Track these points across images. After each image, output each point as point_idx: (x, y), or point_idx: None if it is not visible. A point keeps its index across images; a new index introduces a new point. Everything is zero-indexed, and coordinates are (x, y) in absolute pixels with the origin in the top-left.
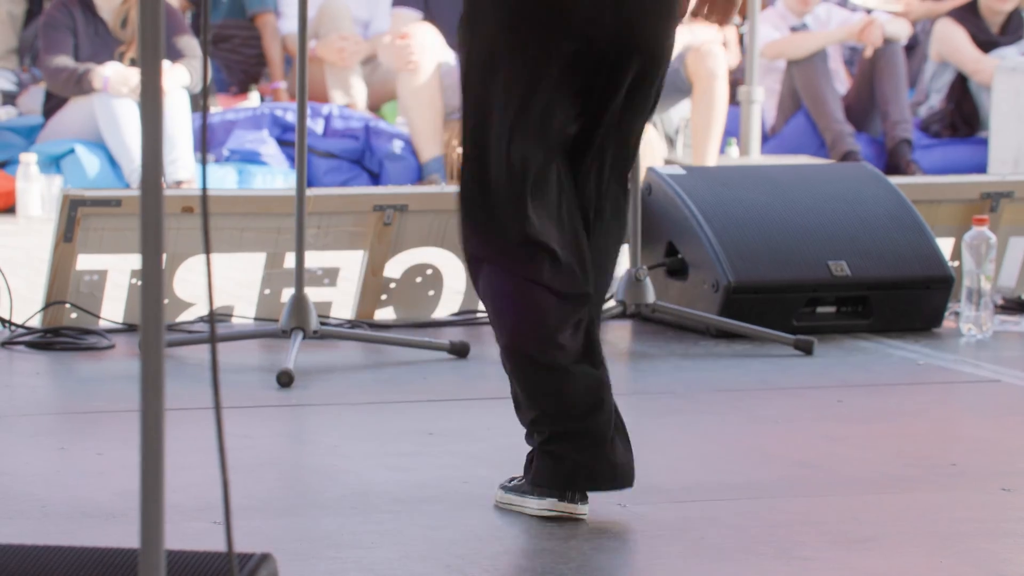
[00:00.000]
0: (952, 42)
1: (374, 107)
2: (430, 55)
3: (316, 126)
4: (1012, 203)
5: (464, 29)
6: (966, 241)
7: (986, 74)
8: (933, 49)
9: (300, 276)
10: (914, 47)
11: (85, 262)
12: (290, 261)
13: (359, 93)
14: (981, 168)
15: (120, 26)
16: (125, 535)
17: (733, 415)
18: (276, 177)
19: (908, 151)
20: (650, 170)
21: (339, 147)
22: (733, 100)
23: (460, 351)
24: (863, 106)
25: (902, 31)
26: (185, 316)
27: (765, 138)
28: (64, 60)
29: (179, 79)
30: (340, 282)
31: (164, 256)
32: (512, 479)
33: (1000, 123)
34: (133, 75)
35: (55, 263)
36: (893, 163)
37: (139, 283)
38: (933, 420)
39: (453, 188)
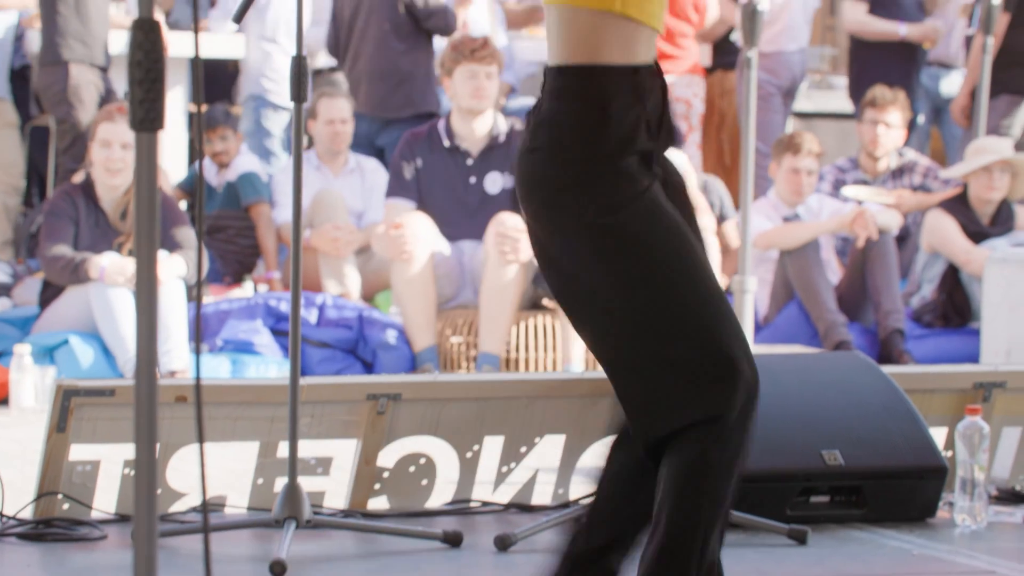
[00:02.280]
0: (943, 233)
1: (368, 297)
2: (423, 245)
3: (310, 316)
4: (1005, 393)
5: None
6: (959, 431)
7: (977, 265)
8: (924, 240)
9: (293, 465)
10: (906, 238)
11: (78, 452)
12: (283, 450)
13: (353, 283)
14: (974, 358)
15: (120, 217)
16: None
17: None
18: (270, 367)
19: (901, 341)
20: None
21: (333, 336)
22: (727, 290)
23: (453, 540)
24: (855, 296)
25: (893, 222)
26: (178, 506)
27: (758, 328)
28: (63, 249)
29: (175, 269)
30: (333, 471)
31: (157, 445)
32: None
33: (992, 313)
34: (129, 265)
35: (48, 453)
36: (886, 353)
37: (132, 473)
38: None
39: (447, 377)
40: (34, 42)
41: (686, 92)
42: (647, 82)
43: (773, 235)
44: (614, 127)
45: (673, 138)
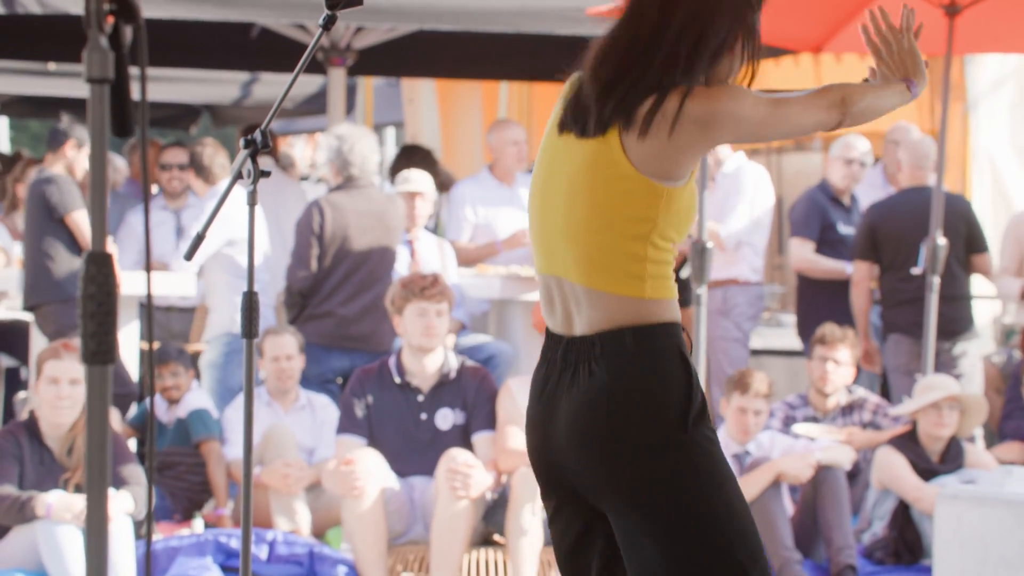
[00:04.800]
0: (893, 470)
1: (318, 533)
2: (374, 481)
3: (260, 552)
4: None
5: None
6: None
7: (928, 502)
8: (874, 477)
9: None
10: (856, 474)
11: None
12: None
13: (303, 519)
14: None
15: (66, 454)
16: None
17: None
18: None
19: (853, 575)
20: None
21: (283, 573)
22: None
23: None
24: (806, 532)
25: (846, 458)
26: None
27: None
28: (7, 489)
29: (123, 505)
30: None
31: None
32: None
33: (943, 550)
34: (77, 501)
35: None
36: None
37: None
38: None
39: None
40: None
41: None
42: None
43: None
44: (681, 377)
45: None
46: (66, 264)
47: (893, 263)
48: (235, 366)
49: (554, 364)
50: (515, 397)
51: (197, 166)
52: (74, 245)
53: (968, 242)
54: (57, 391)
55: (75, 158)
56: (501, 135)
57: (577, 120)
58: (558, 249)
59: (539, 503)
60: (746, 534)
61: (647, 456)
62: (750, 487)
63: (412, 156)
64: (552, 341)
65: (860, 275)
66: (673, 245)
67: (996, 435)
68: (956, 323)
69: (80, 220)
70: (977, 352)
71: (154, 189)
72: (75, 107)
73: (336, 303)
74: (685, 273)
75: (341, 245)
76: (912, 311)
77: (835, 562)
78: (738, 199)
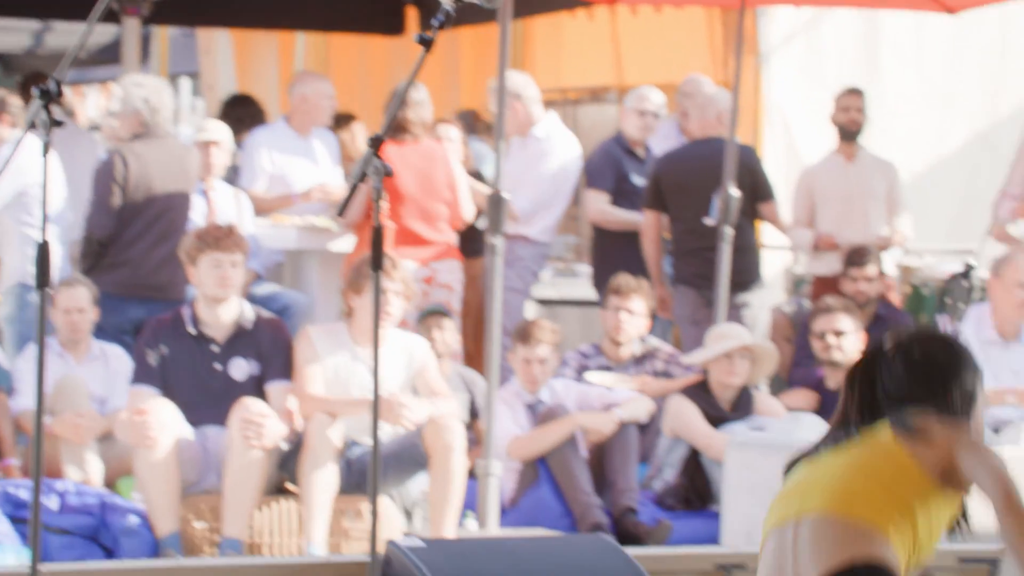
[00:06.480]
0: (684, 418)
1: (110, 482)
2: (167, 431)
3: (50, 502)
4: (745, 575)
5: None
6: None
7: (718, 449)
8: (666, 425)
9: None
10: (648, 423)
11: None
12: None
13: (94, 469)
14: (714, 541)
15: None
16: None
17: None
18: (7, 554)
19: (634, 518)
20: (389, 543)
21: (74, 523)
22: (471, 473)
23: None
24: (596, 478)
25: (644, 412)
26: None
27: (504, 511)
28: None
29: None
30: None
31: None
32: None
33: (732, 497)
34: None
35: None
36: (622, 531)
37: None
38: None
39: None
40: None
41: (448, 277)
42: None
43: (525, 443)
44: None
45: None
46: None
47: (681, 214)
48: (31, 317)
49: None
50: (314, 343)
51: None
52: None
53: (754, 191)
54: None
55: None
56: (313, 86)
57: None
58: None
59: (334, 450)
60: None
61: None
62: (548, 436)
63: (237, 106)
64: None
65: (649, 224)
66: None
67: (786, 383)
68: (742, 274)
69: None
70: (761, 302)
71: None
72: None
73: (136, 252)
74: (481, 223)
75: (142, 194)
76: (697, 262)
77: (617, 504)
78: (542, 168)
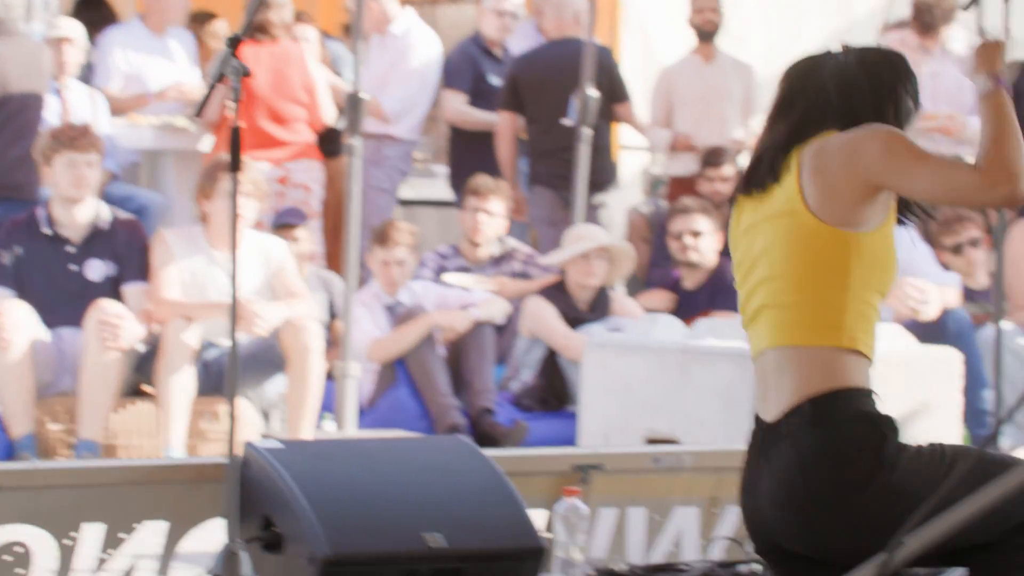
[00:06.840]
0: (541, 319)
1: None
2: (22, 332)
3: None
4: (603, 475)
5: None
6: (558, 512)
7: (575, 350)
8: (523, 326)
9: None
10: (506, 324)
11: None
12: None
13: None
14: (572, 441)
15: None
16: None
17: None
18: None
19: (490, 418)
20: (247, 444)
21: None
22: (328, 375)
23: None
24: (454, 379)
25: (500, 313)
26: None
27: (362, 412)
28: None
29: None
30: None
31: None
32: None
33: (590, 397)
34: None
35: None
36: (479, 431)
37: None
38: None
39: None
40: None
41: (304, 177)
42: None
43: (386, 345)
44: (884, 431)
45: None
46: None
47: (538, 114)
48: None
49: None
50: (169, 246)
51: None
52: None
53: (611, 92)
54: None
55: None
56: None
57: None
58: None
59: (191, 352)
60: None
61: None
62: (406, 337)
63: (90, 5)
64: None
65: (504, 125)
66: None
67: (643, 284)
68: (599, 174)
69: None
70: (618, 203)
71: None
72: None
73: None
74: (340, 124)
75: None
76: (554, 162)
77: (474, 405)
78: (405, 66)
